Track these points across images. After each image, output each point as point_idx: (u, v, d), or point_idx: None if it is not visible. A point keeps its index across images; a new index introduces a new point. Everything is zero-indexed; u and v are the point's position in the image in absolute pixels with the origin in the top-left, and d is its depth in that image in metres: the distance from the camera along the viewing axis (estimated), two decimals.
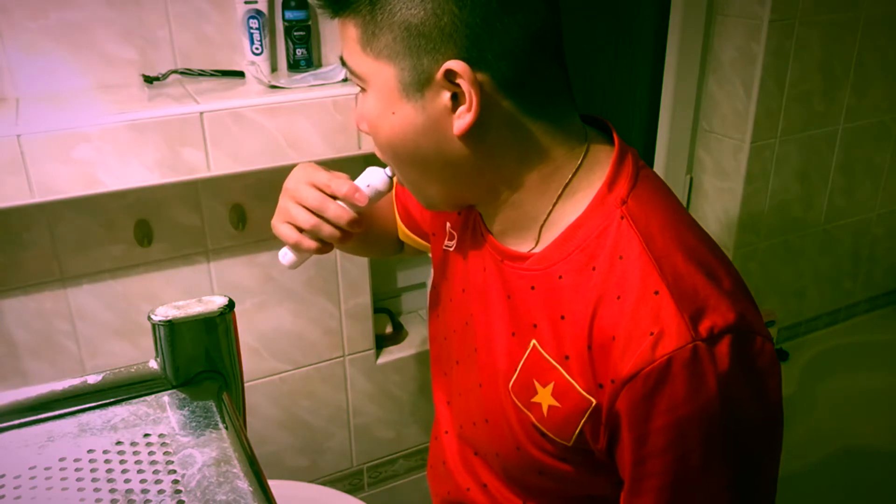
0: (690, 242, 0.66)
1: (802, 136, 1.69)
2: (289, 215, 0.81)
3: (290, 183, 0.83)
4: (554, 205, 0.69)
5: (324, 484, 1.46)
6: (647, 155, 1.81)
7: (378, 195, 0.79)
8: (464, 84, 0.61)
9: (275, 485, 0.49)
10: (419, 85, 0.63)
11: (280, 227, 0.82)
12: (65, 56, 1.06)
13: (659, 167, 1.80)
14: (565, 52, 0.68)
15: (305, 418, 1.42)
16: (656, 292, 0.61)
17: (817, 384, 1.91)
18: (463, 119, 0.63)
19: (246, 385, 0.60)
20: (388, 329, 1.50)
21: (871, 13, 1.63)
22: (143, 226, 1.15)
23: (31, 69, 1.06)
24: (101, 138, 0.97)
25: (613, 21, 1.67)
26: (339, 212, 0.79)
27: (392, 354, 1.47)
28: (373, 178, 0.79)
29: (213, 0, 1.12)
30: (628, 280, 0.63)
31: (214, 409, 0.52)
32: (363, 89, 0.68)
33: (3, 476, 0.45)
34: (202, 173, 1.05)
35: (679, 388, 0.59)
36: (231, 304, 0.55)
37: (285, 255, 0.84)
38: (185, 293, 1.22)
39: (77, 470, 0.46)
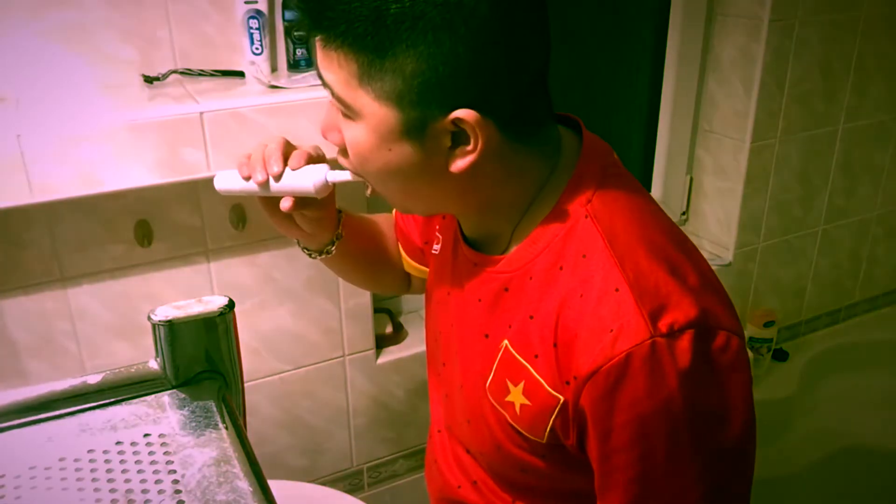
0: (655, 239, 0.66)
1: (802, 136, 1.69)
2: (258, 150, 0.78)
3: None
4: (526, 210, 0.70)
5: (324, 484, 1.46)
6: (647, 155, 1.81)
7: (324, 189, 0.77)
8: (470, 130, 0.61)
9: (275, 485, 0.49)
10: (422, 129, 0.62)
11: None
12: (65, 56, 1.06)
13: (659, 167, 1.80)
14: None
15: (305, 418, 1.42)
16: (617, 289, 0.62)
17: (817, 384, 1.91)
18: (464, 159, 0.63)
19: (246, 385, 0.60)
20: (388, 329, 1.50)
21: (871, 13, 1.63)
22: (143, 226, 1.15)
23: (31, 69, 1.05)
24: (101, 138, 0.97)
25: (613, 21, 1.67)
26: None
27: (392, 354, 1.47)
28: (315, 176, 0.77)
29: (213, 0, 1.12)
30: (591, 278, 0.64)
31: (214, 409, 0.52)
32: (348, 116, 0.65)
33: (2, 476, 0.45)
34: (202, 173, 1.04)
35: (639, 384, 0.60)
36: (231, 304, 0.55)
37: (230, 180, 0.79)
38: (185, 293, 1.22)
39: (77, 470, 0.46)
